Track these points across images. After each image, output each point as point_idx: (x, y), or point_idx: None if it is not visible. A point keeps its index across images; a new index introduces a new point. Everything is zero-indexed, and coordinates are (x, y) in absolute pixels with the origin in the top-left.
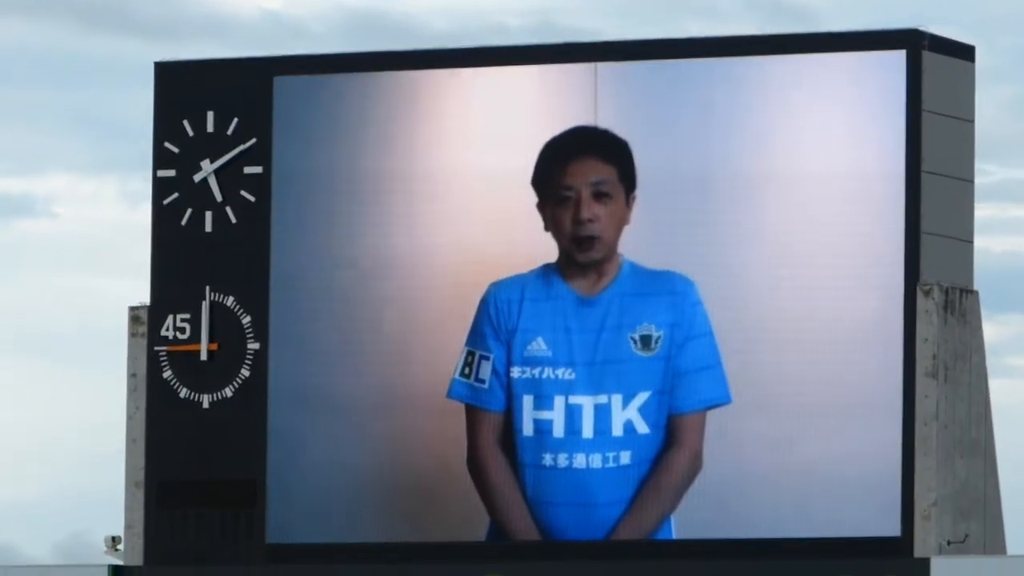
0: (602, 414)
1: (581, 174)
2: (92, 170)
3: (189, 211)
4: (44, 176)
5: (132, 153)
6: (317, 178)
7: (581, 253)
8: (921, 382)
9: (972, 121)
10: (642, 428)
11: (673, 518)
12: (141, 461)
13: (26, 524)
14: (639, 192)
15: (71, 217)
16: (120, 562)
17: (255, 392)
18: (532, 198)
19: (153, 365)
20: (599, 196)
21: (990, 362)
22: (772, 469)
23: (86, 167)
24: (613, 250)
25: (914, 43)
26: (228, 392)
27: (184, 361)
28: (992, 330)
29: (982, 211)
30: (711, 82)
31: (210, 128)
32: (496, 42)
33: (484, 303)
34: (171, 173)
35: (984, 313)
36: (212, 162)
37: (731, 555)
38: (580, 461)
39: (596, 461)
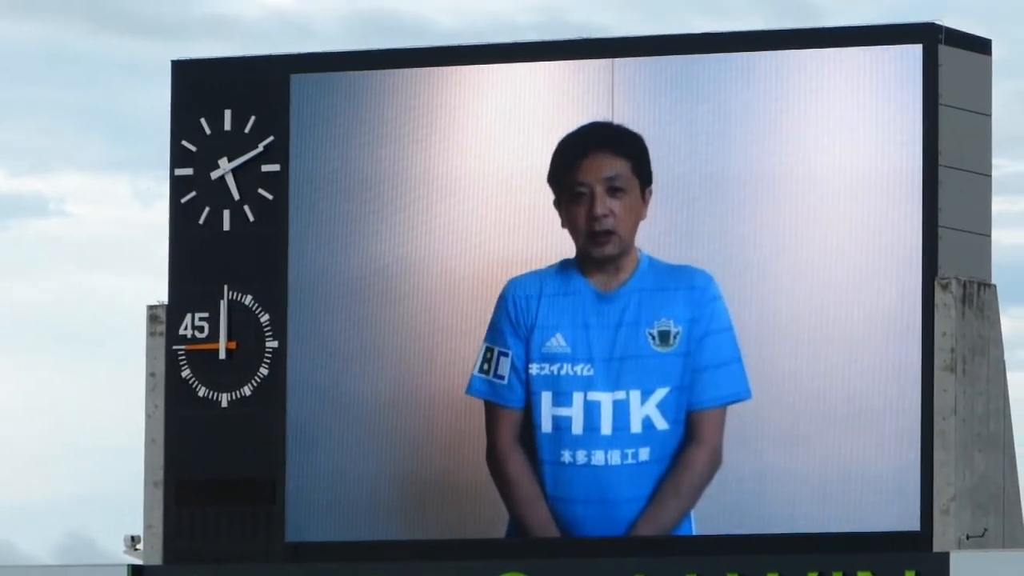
0: (620, 411)
1: (594, 170)
2: (103, 170)
3: (207, 209)
4: (56, 176)
5: (143, 152)
6: (334, 176)
7: (596, 248)
8: (939, 376)
9: (989, 115)
10: (661, 424)
11: (693, 514)
12: (160, 460)
13: (30, 522)
14: (656, 187)
15: (84, 217)
16: (140, 561)
17: (274, 390)
18: (549, 195)
19: (171, 364)
20: (613, 191)
21: (1008, 356)
22: (792, 464)
23: (97, 167)
24: (630, 245)
25: (930, 37)
26: (247, 391)
27: (202, 360)
28: (1009, 324)
29: (996, 205)
30: (728, 77)
31: (227, 126)
32: (505, 39)
33: (503, 299)
34: (188, 172)
35: (1001, 307)
36: (230, 160)
37: (751, 550)
38: (599, 458)
39: (615, 458)
